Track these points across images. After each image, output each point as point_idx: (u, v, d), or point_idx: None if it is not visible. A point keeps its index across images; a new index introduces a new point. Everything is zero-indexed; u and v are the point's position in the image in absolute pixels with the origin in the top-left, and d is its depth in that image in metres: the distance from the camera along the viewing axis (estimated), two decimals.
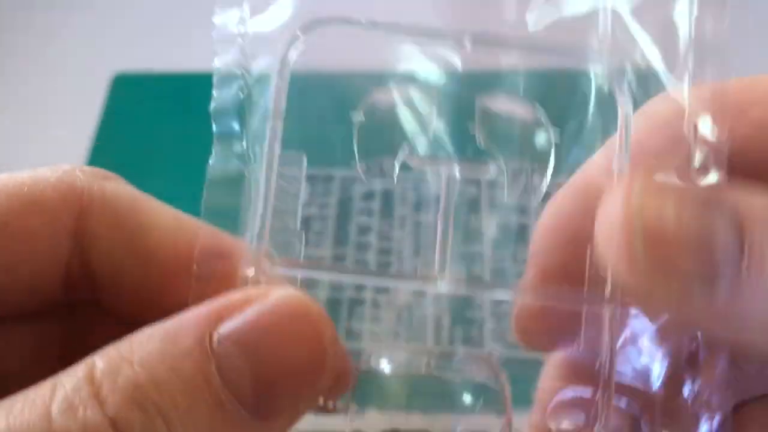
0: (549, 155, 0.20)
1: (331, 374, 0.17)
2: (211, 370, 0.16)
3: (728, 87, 0.19)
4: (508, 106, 0.20)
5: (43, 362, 0.21)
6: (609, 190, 0.18)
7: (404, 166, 0.20)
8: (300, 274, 0.18)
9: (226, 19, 0.21)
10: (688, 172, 0.18)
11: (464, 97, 0.20)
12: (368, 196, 0.49)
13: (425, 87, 0.20)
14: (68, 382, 0.15)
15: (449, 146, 0.20)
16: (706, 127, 0.18)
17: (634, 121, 0.20)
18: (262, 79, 0.20)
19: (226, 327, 0.16)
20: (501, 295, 0.20)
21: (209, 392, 0.16)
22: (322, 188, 0.49)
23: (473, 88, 0.20)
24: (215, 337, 0.16)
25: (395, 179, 0.20)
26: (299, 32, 0.19)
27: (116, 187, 0.21)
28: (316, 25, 0.19)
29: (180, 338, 0.16)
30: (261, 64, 0.20)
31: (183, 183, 0.56)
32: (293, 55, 0.19)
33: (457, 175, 0.20)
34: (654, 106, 0.20)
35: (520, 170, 0.20)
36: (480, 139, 0.20)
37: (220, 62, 0.20)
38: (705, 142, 0.18)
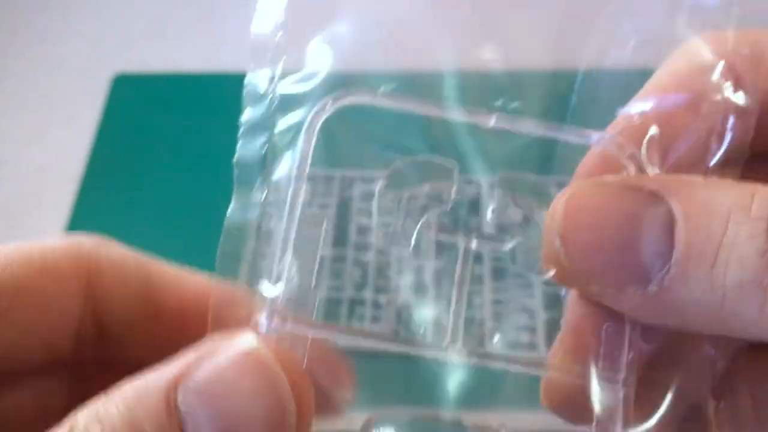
0: None
1: (295, 425, 0.17)
2: (173, 428, 0.16)
3: (750, 36, 0.19)
4: (526, 183, 0.20)
5: (49, 416, 0.21)
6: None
7: (421, 236, 0.20)
8: (311, 333, 0.19)
9: (258, 78, 0.21)
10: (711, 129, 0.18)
11: (485, 171, 0.21)
12: (368, 196, 0.49)
13: (447, 160, 0.20)
14: None
15: (468, 220, 0.21)
16: (729, 79, 0.19)
17: (662, 71, 0.20)
18: (289, 138, 0.20)
19: (189, 384, 0.17)
20: (513, 368, 0.20)
21: None
22: (322, 188, 0.50)
23: (494, 163, 0.21)
24: (180, 392, 0.16)
25: (411, 248, 0.20)
26: (330, 101, 0.20)
27: (121, 249, 0.22)
28: (345, 95, 0.20)
29: (146, 396, 0.17)
30: (289, 121, 0.21)
31: (182, 182, 0.57)
32: (320, 120, 0.20)
33: (474, 247, 0.20)
34: (678, 58, 0.20)
35: (535, 249, 0.20)
36: (497, 217, 0.20)
37: (248, 115, 0.21)
38: (730, 94, 0.18)
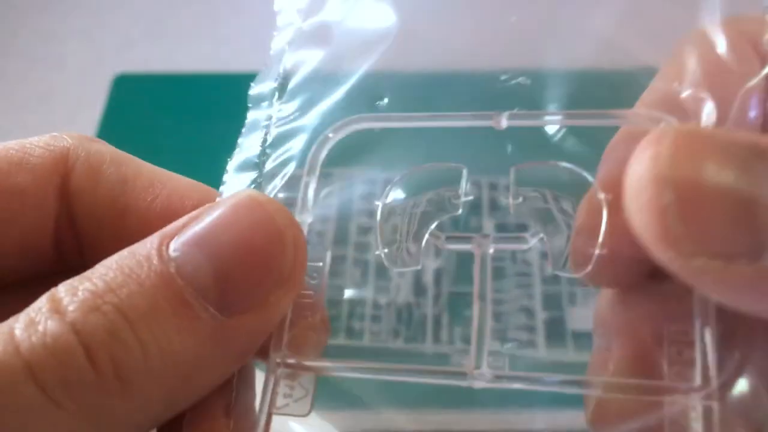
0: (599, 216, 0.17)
1: (292, 260, 0.17)
2: (169, 271, 0.16)
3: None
4: (548, 169, 0.18)
5: None
6: (641, 144, 0.15)
7: (431, 249, 0.18)
8: (322, 371, 0.17)
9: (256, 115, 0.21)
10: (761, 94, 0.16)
11: (495, 173, 0.19)
12: (369, 195, 0.49)
13: (455, 165, 0.19)
14: (31, 307, 0.15)
15: (480, 223, 0.18)
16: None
17: (710, 37, 0.17)
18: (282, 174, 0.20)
19: (184, 234, 0.16)
20: (558, 388, 0.16)
21: (169, 291, 0.15)
22: (322, 186, 0.49)
23: (502, 163, 0.19)
24: (172, 244, 0.16)
25: (420, 265, 0.18)
26: (330, 134, 0.19)
27: (100, 146, 0.21)
28: (346, 123, 0.19)
29: (137, 251, 0.16)
30: (282, 156, 0.20)
31: None
32: (322, 155, 0.19)
33: (491, 251, 0.18)
34: (732, 23, 0.18)
35: (564, 237, 0.17)
36: (514, 209, 0.18)
37: (239, 156, 0.20)
38: None
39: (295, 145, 0.20)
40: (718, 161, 0.14)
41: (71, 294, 0.15)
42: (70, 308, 0.15)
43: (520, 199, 0.18)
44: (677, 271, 0.14)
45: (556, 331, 0.42)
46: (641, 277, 0.17)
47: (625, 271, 0.17)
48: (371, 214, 0.19)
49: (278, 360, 0.17)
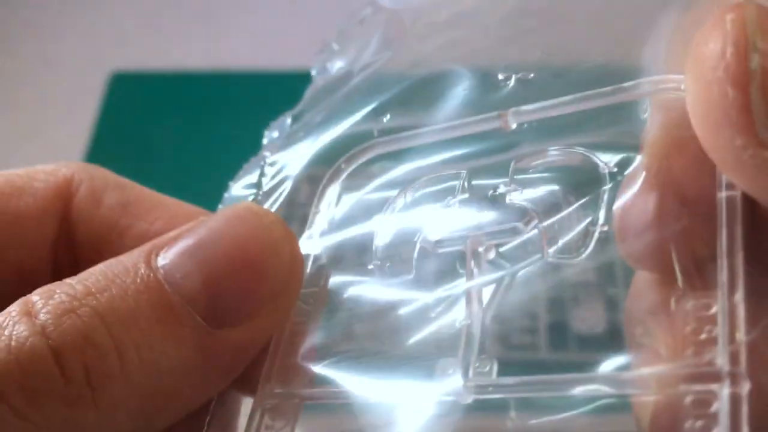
0: (601, 190, 0.16)
1: (287, 273, 0.16)
2: (156, 277, 0.15)
3: None
4: (552, 157, 0.17)
5: None
6: (707, 23, 0.12)
7: (423, 255, 0.17)
8: (310, 398, 0.16)
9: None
10: None
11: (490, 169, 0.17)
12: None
13: (456, 171, 0.18)
14: (2, 312, 0.15)
15: (470, 222, 0.17)
16: None
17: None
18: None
19: (175, 244, 0.16)
20: (578, 390, 0.13)
21: (154, 297, 0.15)
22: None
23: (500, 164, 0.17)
24: (162, 253, 0.15)
25: (412, 272, 0.17)
26: (342, 165, 0.19)
27: (104, 173, 0.20)
28: (360, 153, 0.18)
29: (124, 258, 0.15)
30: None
31: (181, 181, 0.56)
32: (335, 189, 0.18)
33: (485, 249, 0.16)
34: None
35: (567, 218, 0.16)
36: (510, 195, 0.17)
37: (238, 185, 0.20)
38: None
39: (293, 164, 0.19)
40: None
41: (46, 297, 0.14)
42: (43, 311, 0.14)
43: (519, 190, 0.16)
44: (737, 167, 0.12)
45: (559, 335, 0.41)
46: (691, 262, 0.14)
47: (677, 251, 0.14)
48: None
49: (267, 390, 0.16)
